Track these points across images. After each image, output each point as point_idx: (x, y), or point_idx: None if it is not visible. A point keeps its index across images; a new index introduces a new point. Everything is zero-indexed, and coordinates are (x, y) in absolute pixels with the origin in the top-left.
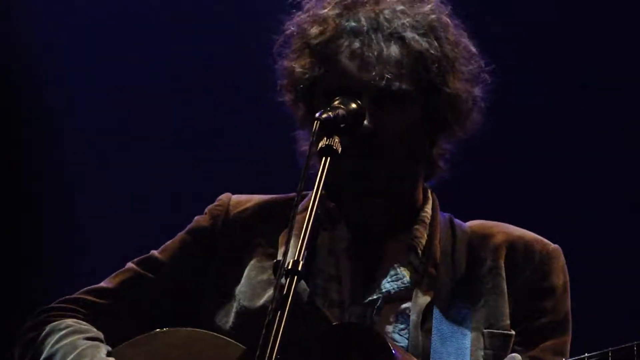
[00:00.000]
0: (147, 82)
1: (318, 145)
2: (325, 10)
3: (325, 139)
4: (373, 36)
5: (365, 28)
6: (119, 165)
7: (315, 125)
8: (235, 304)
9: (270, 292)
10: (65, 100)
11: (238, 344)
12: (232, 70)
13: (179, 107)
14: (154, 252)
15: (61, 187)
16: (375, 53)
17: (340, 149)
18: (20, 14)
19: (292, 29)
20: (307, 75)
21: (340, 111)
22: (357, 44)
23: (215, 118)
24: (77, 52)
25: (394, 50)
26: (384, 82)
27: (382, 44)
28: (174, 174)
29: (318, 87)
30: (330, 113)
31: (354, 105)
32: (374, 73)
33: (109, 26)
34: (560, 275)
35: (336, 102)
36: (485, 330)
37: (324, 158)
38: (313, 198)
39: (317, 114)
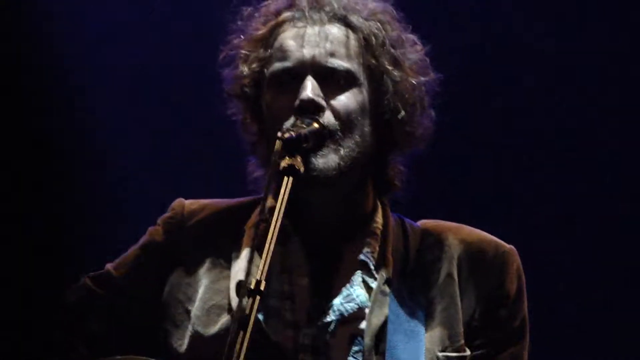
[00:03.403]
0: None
1: (280, 165)
2: (268, 6)
3: (287, 158)
4: (316, 17)
5: (307, 10)
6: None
7: (278, 145)
8: (190, 327)
9: (224, 318)
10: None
11: None
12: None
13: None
14: (109, 268)
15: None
16: (318, 31)
17: (302, 168)
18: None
19: (236, 35)
20: (253, 66)
21: (303, 131)
22: (300, 25)
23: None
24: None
25: (337, 30)
26: (327, 59)
27: (326, 23)
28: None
29: (264, 77)
30: (292, 132)
31: (316, 125)
32: (317, 51)
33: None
34: (514, 280)
35: (298, 122)
36: (439, 354)
37: (285, 178)
38: (275, 218)
39: (279, 134)
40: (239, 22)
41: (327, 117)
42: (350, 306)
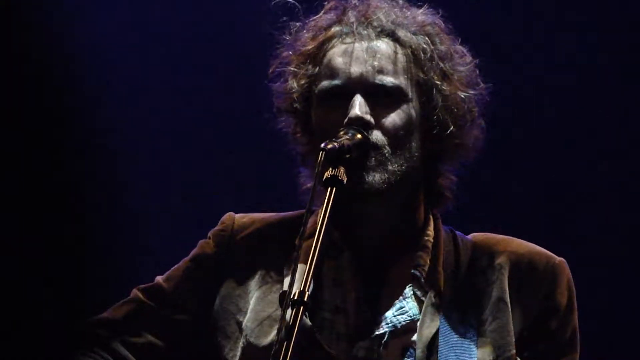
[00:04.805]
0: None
1: (323, 176)
2: (316, 21)
3: (330, 169)
4: (364, 32)
5: (355, 26)
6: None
7: (321, 155)
8: (242, 339)
9: (276, 329)
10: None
11: None
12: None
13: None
14: (159, 280)
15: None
16: (366, 47)
17: (345, 179)
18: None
19: (285, 50)
20: (302, 82)
21: (346, 142)
22: (348, 41)
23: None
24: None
25: (385, 45)
26: (375, 76)
27: (374, 39)
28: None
29: (314, 93)
30: (335, 143)
31: (359, 136)
32: (365, 68)
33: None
34: (565, 292)
35: (341, 133)
36: None
37: (329, 188)
38: (319, 229)
39: (322, 145)
40: (287, 37)
41: (376, 134)
42: (403, 318)
